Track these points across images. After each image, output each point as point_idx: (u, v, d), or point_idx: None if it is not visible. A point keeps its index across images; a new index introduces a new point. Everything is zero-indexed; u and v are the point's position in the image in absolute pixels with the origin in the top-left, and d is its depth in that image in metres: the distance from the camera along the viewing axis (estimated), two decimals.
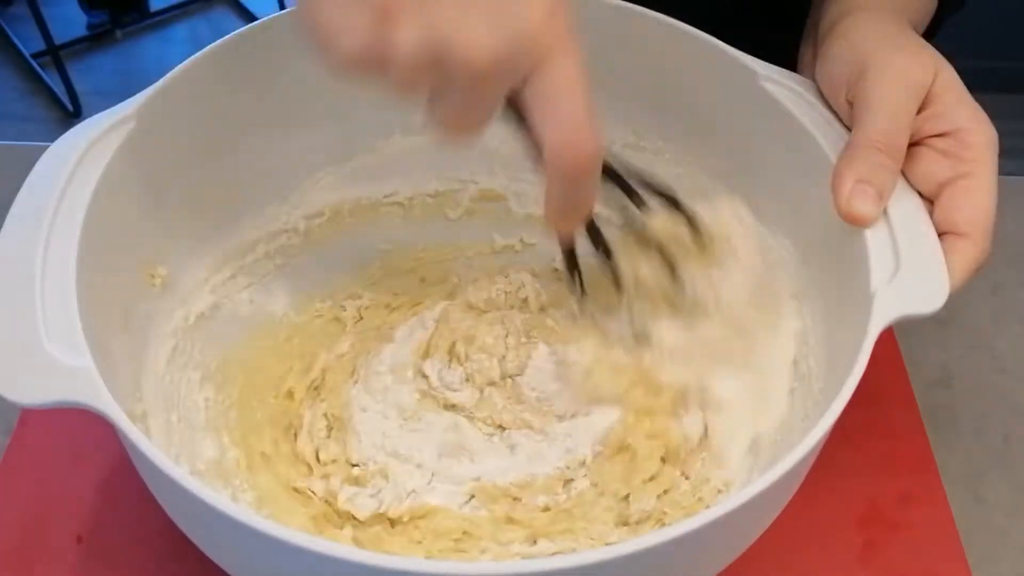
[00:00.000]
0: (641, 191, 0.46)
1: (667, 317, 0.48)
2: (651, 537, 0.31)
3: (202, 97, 0.47)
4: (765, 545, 0.40)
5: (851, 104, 0.46)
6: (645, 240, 0.47)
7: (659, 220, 0.46)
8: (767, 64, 0.49)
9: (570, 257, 0.49)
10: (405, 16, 0.32)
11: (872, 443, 0.54)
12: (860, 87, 0.45)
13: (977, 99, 0.45)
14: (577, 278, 0.50)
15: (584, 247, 0.48)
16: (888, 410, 0.56)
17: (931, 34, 0.54)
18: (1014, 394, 0.59)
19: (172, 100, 0.46)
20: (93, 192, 0.41)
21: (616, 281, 0.48)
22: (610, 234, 0.48)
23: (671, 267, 0.47)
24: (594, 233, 0.48)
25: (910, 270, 0.40)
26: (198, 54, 0.47)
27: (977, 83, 0.46)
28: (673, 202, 0.46)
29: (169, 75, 0.46)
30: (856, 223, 0.42)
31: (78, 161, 0.42)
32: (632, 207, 0.46)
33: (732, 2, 0.64)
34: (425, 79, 0.34)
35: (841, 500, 0.51)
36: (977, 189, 0.43)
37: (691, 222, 0.46)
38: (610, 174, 0.45)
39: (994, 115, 0.45)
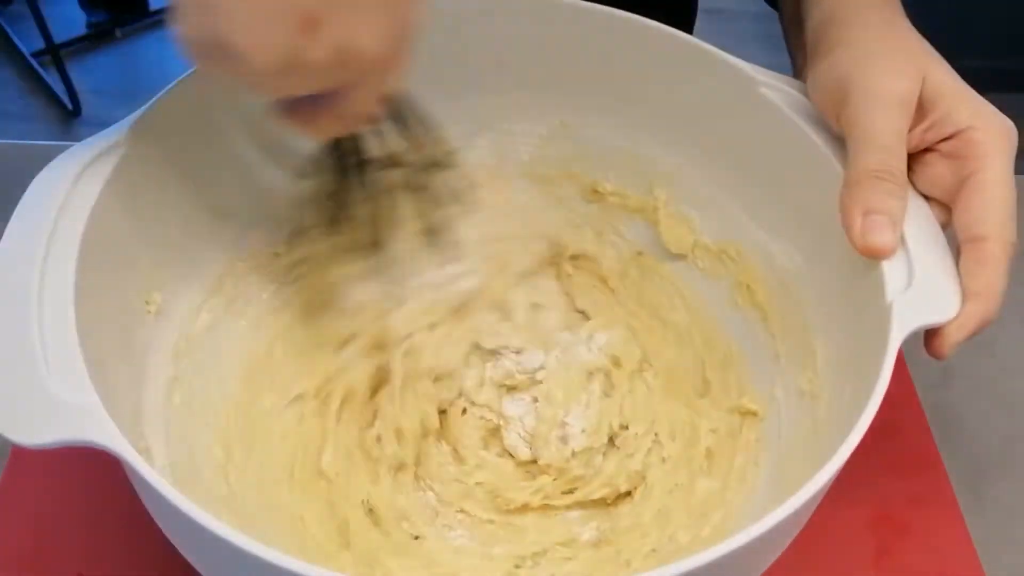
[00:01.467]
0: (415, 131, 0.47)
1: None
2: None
3: (192, 118, 0.47)
4: (779, 557, 0.40)
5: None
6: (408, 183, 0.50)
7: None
8: (766, 70, 0.49)
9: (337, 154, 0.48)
10: (322, 26, 0.33)
11: (878, 444, 0.51)
12: (846, 116, 0.43)
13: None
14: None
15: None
16: (892, 411, 0.54)
17: None
18: (1014, 394, 0.59)
19: (162, 122, 0.45)
20: (86, 222, 0.40)
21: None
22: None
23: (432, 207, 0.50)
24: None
25: (924, 279, 0.40)
26: (183, 76, 0.46)
27: (979, 83, 0.45)
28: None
29: (158, 97, 0.45)
30: (876, 256, 0.41)
31: (69, 190, 0.41)
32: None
33: None
34: (329, 82, 0.36)
35: (851, 504, 0.51)
36: (985, 183, 0.41)
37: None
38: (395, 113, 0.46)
39: None
